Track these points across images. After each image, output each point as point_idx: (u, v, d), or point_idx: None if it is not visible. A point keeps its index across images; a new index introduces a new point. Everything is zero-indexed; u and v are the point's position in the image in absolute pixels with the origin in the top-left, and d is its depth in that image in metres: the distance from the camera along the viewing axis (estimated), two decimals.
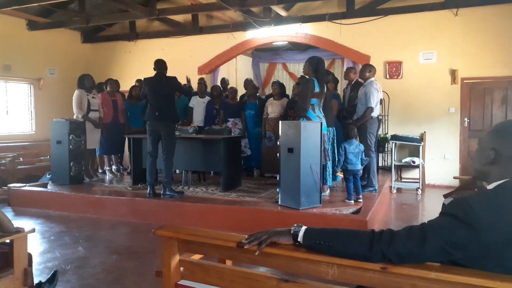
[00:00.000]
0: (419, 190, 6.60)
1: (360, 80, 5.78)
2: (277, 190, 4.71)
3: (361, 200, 4.73)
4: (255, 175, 6.92)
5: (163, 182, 5.14)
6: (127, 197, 5.35)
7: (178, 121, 5.38)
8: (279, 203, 4.59)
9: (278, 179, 4.60)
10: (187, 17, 8.78)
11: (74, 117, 6.31)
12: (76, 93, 6.32)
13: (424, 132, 7.24)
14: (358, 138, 4.92)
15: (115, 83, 7.10)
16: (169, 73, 5.32)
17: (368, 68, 5.45)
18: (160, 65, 5.21)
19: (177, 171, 6.87)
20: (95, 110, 6.49)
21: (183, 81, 6.24)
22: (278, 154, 4.54)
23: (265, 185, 5.93)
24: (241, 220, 4.58)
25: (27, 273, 2.47)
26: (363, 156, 4.75)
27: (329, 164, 4.91)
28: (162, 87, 5.14)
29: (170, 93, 5.23)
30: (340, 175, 5.35)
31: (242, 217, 4.61)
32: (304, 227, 1.52)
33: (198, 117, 7.10)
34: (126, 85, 8.13)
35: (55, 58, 9.08)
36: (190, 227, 1.88)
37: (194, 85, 7.49)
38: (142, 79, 6.99)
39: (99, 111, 6.59)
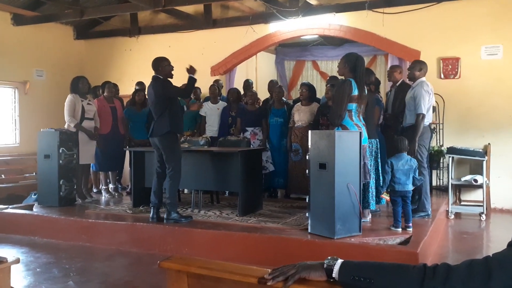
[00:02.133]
0: (483, 216, 6.46)
1: (407, 81, 5.74)
2: (306, 214, 4.69)
3: (410, 228, 4.66)
4: (279, 196, 6.93)
5: (167, 204, 5.19)
6: (126, 221, 5.41)
7: (172, 131, 5.12)
8: (309, 230, 4.58)
9: (307, 201, 4.60)
10: (199, 8, 8.94)
11: (66, 126, 6.47)
12: (68, 98, 6.48)
13: (489, 144, 7.09)
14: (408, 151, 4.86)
15: (114, 87, 7.26)
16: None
17: (417, 66, 5.41)
18: (152, 65, 5.17)
19: (186, 190, 6.94)
20: (90, 118, 6.63)
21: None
22: (307, 171, 4.55)
23: (291, 208, 5.92)
24: (263, 251, 4.58)
25: None
26: (416, 174, 4.69)
27: (372, 183, 4.88)
28: (150, 93, 5.17)
29: (158, 100, 5.11)
30: (385, 197, 5.30)
31: (263, 247, 4.60)
32: (340, 260, 1.52)
33: (211, 126, 7.21)
34: (126, 89, 8.34)
35: (43, 58, 9.36)
36: (201, 259, 1.90)
37: (202, 84, 7.60)
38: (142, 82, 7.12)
39: (95, 120, 6.73)
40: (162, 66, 5.14)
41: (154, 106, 5.16)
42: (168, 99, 5.14)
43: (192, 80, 5.18)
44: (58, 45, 9.69)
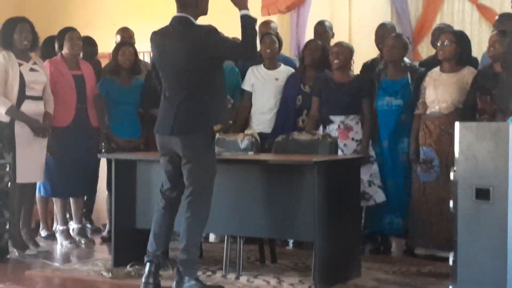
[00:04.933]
0: None
1: None
2: None
3: None
4: (394, 250, 6.93)
5: (179, 262, 5.23)
6: None
7: (211, 124, 5.33)
8: None
9: (451, 263, 4.51)
10: None
11: None
12: None
13: None
14: None
15: (79, 39, 7.33)
16: (200, 19, 5.34)
17: None
18: None
19: (212, 237, 7.07)
20: (36, 97, 6.76)
21: None
22: (450, 203, 4.48)
23: (417, 276, 5.89)
24: None
25: None
26: None
27: None
28: (182, 51, 5.22)
29: (194, 65, 5.20)
30: None
31: None
32: None
33: (261, 114, 7.30)
34: (103, 42, 8.49)
35: None
36: None
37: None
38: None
39: (45, 100, 6.87)
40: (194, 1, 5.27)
41: (182, 76, 5.23)
42: (213, 65, 5.27)
43: (249, 21, 5.16)
44: None
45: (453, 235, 4.41)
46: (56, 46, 7.33)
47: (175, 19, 5.26)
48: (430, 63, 6.90)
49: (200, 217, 5.19)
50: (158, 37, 5.36)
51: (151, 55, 5.38)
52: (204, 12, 5.30)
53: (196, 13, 5.24)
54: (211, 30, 5.19)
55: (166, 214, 5.34)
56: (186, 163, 5.16)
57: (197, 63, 5.18)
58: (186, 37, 5.20)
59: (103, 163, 7.21)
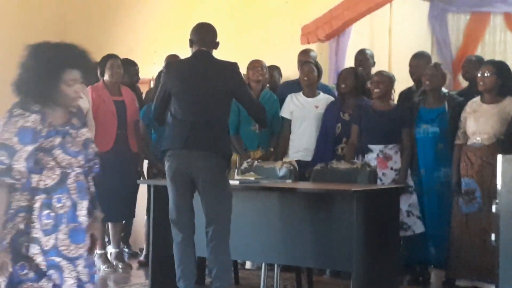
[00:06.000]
0: None
1: None
2: None
3: None
4: (433, 281, 6.82)
5: None
6: None
7: (230, 154, 5.53)
8: None
9: None
10: None
11: None
12: None
13: None
14: None
15: (120, 67, 7.42)
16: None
17: None
18: (202, 34, 5.43)
19: (249, 264, 7.05)
20: None
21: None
22: (492, 236, 4.42)
23: None
24: None
25: None
26: None
27: None
28: (204, 82, 5.32)
29: (220, 97, 5.36)
30: None
31: None
32: None
33: (299, 141, 7.25)
34: (142, 68, 8.49)
35: None
36: None
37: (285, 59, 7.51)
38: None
39: (88, 126, 6.82)
40: (212, 36, 5.50)
41: (212, 103, 5.34)
42: (230, 101, 5.52)
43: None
44: None
45: (495, 267, 4.38)
46: (98, 72, 7.39)
47: (196, 54, 5.45)
48: (467, 93, 6.85)
49: (224, 242, 5.21)
50: (180, 67, 5.59)
51: (163, 84, 5.45)
52: (214, 47, 5.56)
53: (210, 48, 5.47)
54: (233, 67, 5.48)
55: (187, 246, 5.35)
56: (204, 189, 5.21)
57: (222, 95, 5.37)
58: (209, 69, 5.39)
59: (143, 188, 7.24)
